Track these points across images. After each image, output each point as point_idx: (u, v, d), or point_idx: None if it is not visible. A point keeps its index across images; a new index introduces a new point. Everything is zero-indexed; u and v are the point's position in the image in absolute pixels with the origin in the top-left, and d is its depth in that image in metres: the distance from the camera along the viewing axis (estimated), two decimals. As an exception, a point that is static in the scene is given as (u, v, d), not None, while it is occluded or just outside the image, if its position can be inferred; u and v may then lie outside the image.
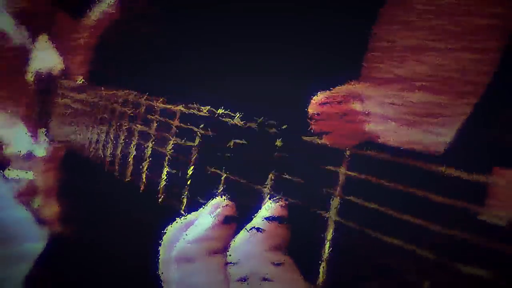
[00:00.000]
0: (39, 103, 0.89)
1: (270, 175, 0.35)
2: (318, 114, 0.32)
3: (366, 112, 0.32)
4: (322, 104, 0.31)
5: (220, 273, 0.34)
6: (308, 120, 0.32)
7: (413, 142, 0.31)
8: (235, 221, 0.36)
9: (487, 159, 0.24)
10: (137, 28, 0.68)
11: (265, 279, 0.31)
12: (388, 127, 0.31)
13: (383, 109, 0.32)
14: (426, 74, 0.32)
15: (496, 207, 0.22)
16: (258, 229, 0.33)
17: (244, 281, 0.32)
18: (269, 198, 0.35)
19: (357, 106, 0.32)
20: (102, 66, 0.74)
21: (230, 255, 0.33)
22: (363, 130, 0.31)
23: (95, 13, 0.77)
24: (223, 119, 0.40)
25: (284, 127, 0.35)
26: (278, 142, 0.35)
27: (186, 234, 0.36)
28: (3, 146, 0.89)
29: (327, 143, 0.31)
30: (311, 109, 0.32)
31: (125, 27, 0.71)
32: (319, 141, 0.32)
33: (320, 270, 0.30)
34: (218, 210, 0.37)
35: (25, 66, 0.89)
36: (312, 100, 0.32)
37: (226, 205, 0.37)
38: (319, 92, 0.32)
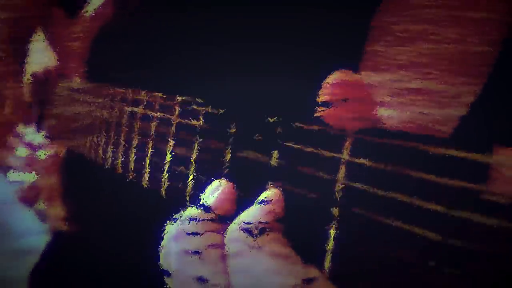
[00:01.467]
0: (37, 105, 0.89)
1: (272, 164, 0.35)
2: (325, 96, 0.32)
3: (371, 97, 0.32)
4: (329, 87, 0.31)
5: (219, 263, 0.34)
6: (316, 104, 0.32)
7: (416, 127, 0.31)
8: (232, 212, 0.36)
9: (489, 138, 0.25)
10: (134, 25, 0.68)
11: (266, 254, 0.31)
12: (391, 113, 0.31)
13: (387, 95, 0.32)
14: (427, 63, 0.32)
15: (498, 186, 0.22)
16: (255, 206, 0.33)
17: (241, 260, 0.32)
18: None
19: (361, 91, 0.32)
20: (99, 65, 0.74)
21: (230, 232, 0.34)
22: (367, 115, 0.31)
23: (90, 11, 0.77)
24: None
25: (280, 118, 0.35)
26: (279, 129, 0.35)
27: (185, 225, 0.37)
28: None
29: (331, 125, 0.31)
30: (319, 92, 0.32)
31: (121, 25, 0.71)
32: (322, 126, 0.32)
33: (325, 260, 0.30)
34: (216, 192, 0.37)
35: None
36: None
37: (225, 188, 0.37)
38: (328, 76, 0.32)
